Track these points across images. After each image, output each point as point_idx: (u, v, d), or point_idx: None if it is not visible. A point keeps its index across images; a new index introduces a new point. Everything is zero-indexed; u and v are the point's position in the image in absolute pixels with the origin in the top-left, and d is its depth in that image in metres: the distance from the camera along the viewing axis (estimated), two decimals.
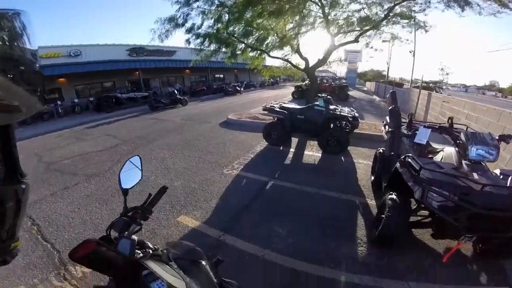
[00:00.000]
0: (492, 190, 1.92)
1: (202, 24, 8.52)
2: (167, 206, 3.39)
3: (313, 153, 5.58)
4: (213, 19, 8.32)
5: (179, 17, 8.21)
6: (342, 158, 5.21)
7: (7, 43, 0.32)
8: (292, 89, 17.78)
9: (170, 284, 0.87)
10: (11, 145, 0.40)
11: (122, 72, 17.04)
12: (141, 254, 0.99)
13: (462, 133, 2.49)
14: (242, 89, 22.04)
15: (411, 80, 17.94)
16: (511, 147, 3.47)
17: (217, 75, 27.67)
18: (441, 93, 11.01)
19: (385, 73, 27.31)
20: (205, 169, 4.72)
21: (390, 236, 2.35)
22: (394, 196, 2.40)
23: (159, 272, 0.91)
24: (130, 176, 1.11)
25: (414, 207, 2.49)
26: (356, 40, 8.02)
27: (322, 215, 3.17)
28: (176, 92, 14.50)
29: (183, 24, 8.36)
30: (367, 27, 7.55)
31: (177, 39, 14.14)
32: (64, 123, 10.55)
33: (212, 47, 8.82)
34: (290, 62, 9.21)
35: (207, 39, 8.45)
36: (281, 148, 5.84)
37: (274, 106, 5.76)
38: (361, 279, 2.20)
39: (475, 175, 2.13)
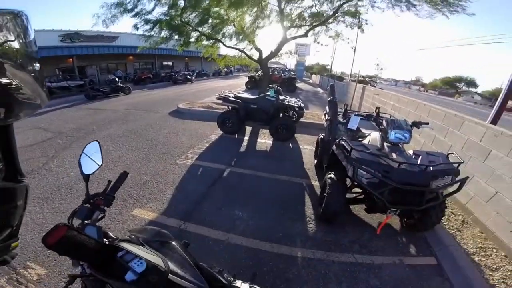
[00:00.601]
0: (406, 168, 2.26)
1: (153, 9, 7.93)
2: (118, 201, 3.15)
3: (265, 140, 5.89)
4: (167, 5, 7.80)
5: (129, 2, 7.53)
6: (290, 144, 5.69)
7: (23, 40, 0.33)
8: (246, 79, 17.81)
9: (148, 261, 0.87)
10: (11, 145, 0.39)
11: (51, 60, 14.67)
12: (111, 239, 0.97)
13: (384, 120, 2.95)
14: (193, 77, 21.07)
15: (351, 74, 20.05)
16: (426, 133, 4.34)
17: (165, 63, 25.82)
18: (374, 86, 12.83)
19: (329, 67, 29.95)
20: (157, 160, 4.49)
21: (332, 212, 2.68)
22: (332, 175, 2.74)
23: (135, 251, 0.90)
24: (90, 162, 1.08)
25: (349, 184, 2.89)
26: (305, 35, 8.56)
27: (276, 197, 3.44)
28: (117, 80, 12.99)
29: (132, 10, 7.64)
30: (316, 23, 8.14)
31: (121, 25, 12.51)
32: None
33: (163, 34, 8.30)
34: (244, 53, 9.30)
35: (158, 25, 7.92)
36: (236, 136, 5.97)
37: (228, 96, 5.83)
38: (314, 254, 2.48)
39: (394, 155, 2.49)
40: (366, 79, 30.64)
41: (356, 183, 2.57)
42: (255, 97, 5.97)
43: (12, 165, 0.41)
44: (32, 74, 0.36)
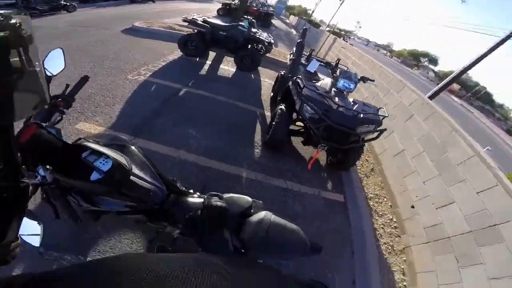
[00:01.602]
0: (343, 111, 2.57)
1: None
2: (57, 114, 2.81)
3: (228, 68, 5.78)
4: None
5: None
6: (252, 75, 5.73)
7: (24, 40, 0.33)
8: (219, 5, 15.98)
9: (114, 159, 0.86)
10: (10, 145, 0.37)
11: None
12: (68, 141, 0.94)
13: (338, 70, 3.28)
14: None
15: (328, 24, 19.14)
16: (371, 90, 4.74)
17: None
18: (346, 41, 12.66)
19: (310, 11, 27.92)
20: (104, 74, 4.02)
21: (276, 139, 3.01)
22: (283, 107, 3.01)
23: (101, 149, 0.87)
24: (54, 65, 1.03)
25: (295, 118, 3.20)
26: None
27: (231, 121, 3.56)
28: None
29: None
30: None
31: None
32: None
33: None
34: None
35: None
36: (197, 59, 5.65)
37: (196, 19, 5.29)
38: (256, 176, 2.77)
39: (337, 99, 2.81)
40: (342, 32, 29.91)
41: (300, 117, 2.89)
42: (226, 24, 5.57)
43: (12, 165, 0.40)
44: (33, 74, 0.36)
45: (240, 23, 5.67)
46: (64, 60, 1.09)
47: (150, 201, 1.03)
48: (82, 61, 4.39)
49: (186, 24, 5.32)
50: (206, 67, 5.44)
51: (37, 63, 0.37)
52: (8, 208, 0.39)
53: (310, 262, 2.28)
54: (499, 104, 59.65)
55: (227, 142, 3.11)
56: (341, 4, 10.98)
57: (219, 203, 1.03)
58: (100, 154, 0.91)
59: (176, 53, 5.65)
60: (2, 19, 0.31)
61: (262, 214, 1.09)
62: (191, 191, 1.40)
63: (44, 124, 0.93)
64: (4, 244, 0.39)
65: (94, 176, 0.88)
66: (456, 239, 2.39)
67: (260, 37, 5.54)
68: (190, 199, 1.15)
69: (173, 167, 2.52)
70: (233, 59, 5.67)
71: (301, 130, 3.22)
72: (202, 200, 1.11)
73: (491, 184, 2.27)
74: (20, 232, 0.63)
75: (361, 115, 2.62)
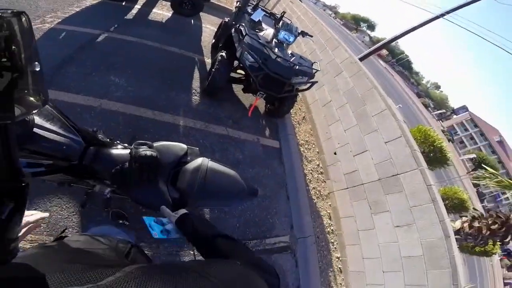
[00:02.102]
0: (281, 61, 2.67)
1: None
2: None
3: (162, 12, 5.07)
4: None
5: None
6: (192, 21, 5.22)
7: (24, 40, 0.34)
8: None
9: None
10: (10, 144, 0.37)
11: None
12: None
13: (281, 22, 3.30)
14: None
15: None
16: (309, 46, 4.92)
17: None
18: None
19: None
20: None
21: (216, 85, 2.96)
22: (223, 54, 2.92)
23: None
24: None
25: (236, 66, 3.16)
26: None
27: (164, 68, 3.23)
28: None
29: None
30: None
31: None
32: None
33: None
34: None
35: None
36: (123, 3, 4.70)
37: None
38: (195, 123, 2.69)
39: (276, 50, 2.88)
40: None
41: (241, 65, 2.90)
42: None
43: (12, 164, 0.38)
44: (33, 74, 0.35)
45: None
46: None
47: (64, 155, 0.90)
48: None
49: None
50: (134, 11, 4.58)
51: (36, 63, 0.37)
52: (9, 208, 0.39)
53: (252, 208, 2.44)
54: (416, 71, 70.59)
55: (161, 89, 2.85)
56: None
57: (148, 152, 0.94)
58: None
59: None
60: (1, 19, 0.31)
61: (198, 161, 1.05)
62: (117, 142, 1.26)
63: None
64: (3, 244, 0.39)
65: None
66: (368, 186, 2.81)
67: None
68: (114, 151, 1.04)
69: (94, 118, 2.22)
70: (169, 3, 4.94)
71: (242, 78, 3.22)
72: (128, 151, 1.00)
73: (397, 135, 2.70)
74: None
75: (297, 67, 2.77)
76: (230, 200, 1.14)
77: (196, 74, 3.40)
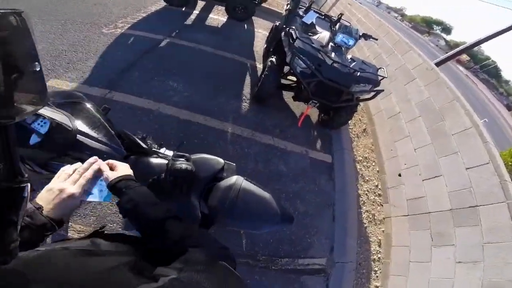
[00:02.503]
0: (338, 67, 2.38)
1: None
2: None
3: (218, 17, 5.33)
4: None
5: None
6: (245, 25, 5.31)
7: (24, 40, 0.34)
8: None
9: (52, 119, 0.79)
10: (10, 144, 0.37)
11: None
12: None
13: (338, 24, 2.96)
14: None
15: None
16: (374, 50, 4.41)
17: None
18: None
19: None
20: (76, 30, 3.63)
21: (265, 92, 2.84)
22: (273, 59, 2.77)
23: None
24: None
25: (286, 72, 2.99)
26: None
27: (217, 73, 3.30)
28: None
29: None
30: None
31: None
32: None
33: None
34: None
35: None
36: (183, 9, 5.13)
37: None
38: (242, 131, 2.62)
39: (333, 54, 2.59)
40: None
41: (291, 71, 2.69)
42: None
43: (12, 164, 0.38)
44: (33, 74, 0.36)
45: None
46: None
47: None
48: (52, 19, 3.90)
49: None
50: (192, 17, 4.97)
51: (36, 63, 0.37)
52: (8, 208, 0.39)
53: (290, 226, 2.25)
54: (506, 80, 58.19)
55: (213, 95, 2.89)
56: None
57: (184, 166, 0.92)
58: (37, 115, 0.80)
59: (159, 4, 5.11)
60: (0, 19, 0.31)
61: (233, 179, 1.00)
62: (163, 150, 1.28)
63: None
64: (3, 244, 0.38)
65: (33, 139, 0.81)
66: (435, 215, 2.33)
67: None
68: (154, 160, 1.03)
69: (151, 121, 2.36)
70: (224, 8, 5.21)
71: (293, 85, 3.01)
72: (166, 161, 0.99)
73: (483, 161, 2.14)
74: None
75: (358, 73, 2.43)
76: (261, 224, 1.06)
77: (247, 80, 3.36)
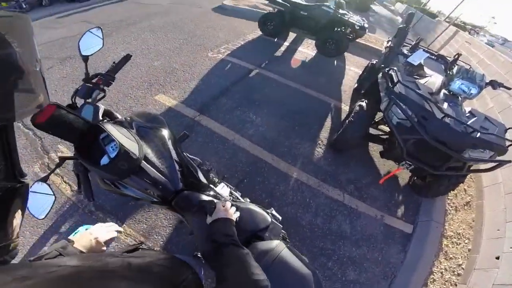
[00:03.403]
0: (450, 123, 1.84)
1: None
2: (145, 85, 3.27)
3: (307, 51, 5.33)
4: None
5: None
6: (335, 62, 5.10)
7: (25, 41, 0.34)
8: None
9: (122, 146, 0.85)
10: (10, 144, 0.38)
11: None
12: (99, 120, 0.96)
13: (456, 66, 2.33)
14: None
15: (448, 16, 15.17)
16: (501, 100, 3.45)
17: None
18: (474, 36, 9.62)
19: (423, 0, 22.96)
20: (189, 51, 4.37)
21: (345, 142, 2.46)
22: (363, 104, 2.39)
23: (114, 134, 0.86)
24: (91, 45, 1.06)
25: (378, 120, 2.55)
26: None
27: (297, 111, 3.24)
28: None
29: None
30: None
31: None
32: (31, 16, 8.33)
33: None
34: None
35: None
36: (275, 40, 5.43)
37: None
38: (308, 179, 2.41)
39: (445, 105, 2.06)
40: (467, 26, 23.02)
41: (384, 120, 2.20)
42: (308, 4, 5.09)
43: (12, 165, 0.40)
44: (33, 74, 0.36)
45: (325, 3, 5.06)
46: (102, 39, 1.10)
47: (158, 192, 0.97)
48: (174, 37, 4.89)
49: (267, 1, 5.14)
50: (283, 48, 5.18)
51: (37, 63, 0.36)
52: (8, 208, 0.39)
53: None
54: None
55: (287, 134, 2.84)
56: None
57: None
58: (113, 138, 0.88)
59: (256, 32, 5.61)
60: (1, 19, 0.31)
61: (274, 243, 0.94)
62: (220, 186, 1.31)
63: (88, 100, 1.00)
64: (4, 244, 0.39)
65: (104, 160, 0.88)
66: None
67: (349, 19, 4.83)
68: (204, 198, 1.05)
69: (225, 150, 2.49)
70: (314, 41, 5.20)
71: (383, 137, 2.55)
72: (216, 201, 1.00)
73: None
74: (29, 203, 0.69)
75: (477, 134, 1.80)
76: None
77: (328, 123, 3.16)
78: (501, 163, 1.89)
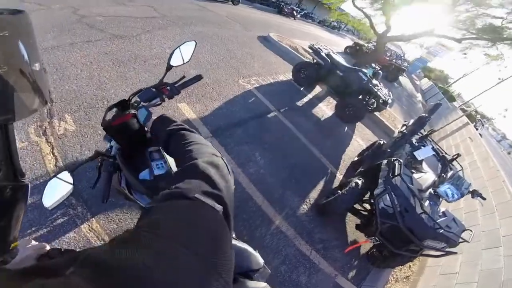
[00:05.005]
0: (423, 219, 2.21)
1: None
2: None
3: (326, 109, 5.61)
4: None
5: None
6: (346, 128, 5.34)
7: (25, 40, 0.33)
8: (350, 42, 15.73)
9: (171, 168, 0.87)
10: (10, 144, 0.38)
11: None
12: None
13: (452, 171, 2.75)
14: (298, 15, 19.34)
15: (467, 102, 15.95)
16: (472, 203, 3.70)
17: None
18: (477, 129, 10.13)
19: (451, 80, 24.22)
20: (224, 70, 4.69)
21: (332, 210, 2.75)
22: (359, 182, 2.68)
23: (163, 152, 0.92)
24: (180, 56, 1.08)
25: (366, 198, 2.85)
26: (459, 41, 7.11)
27: (298, 165, 3.47)
28: None
29: None
30: (483, 37, 6.46)
31: None
32: None
33: None
34: (370, 20, 8.16)
35: None
36: (301, 89, 5.72)
37: (321, 49, 5.27)
38: (287, 230, 2.63)
39: (427, 203, 2.40)
40: (477, 116, 24.01)
41: (372, 201, 2.59)
42: (347, 65, 5.27)
43: (12, 164, 0.40)
44: (33, 74, 0.36)
45: (363, 69, 5.20)
46: (192, 55, 1.12)
47: None
48: (217, 52, 5.27)
49: (310, 51, 5.36)
50: (305, 99, 5.45)
51: (37, 63, 0.36)
52: (8, 208, 0.39)
53: None
54: None
55: (283, 184, 3.06)
56: (497, 84, 8.34)
57: None
58: (163, 156, 0.93)
59: (287, 75, 5.94)
60: (1, 18, 0.30)
61: (261, 285, 0.99)
62: None
63: (144, 104, 1.01)
64: (3, 244, 0.39)
65: (143, 175, 0.91)
66: None
67: (378, 91, 4.93)
68: None
69: None
70: (335, 102, 5.43)
71: (363, 213, 2.85)
72: None
73: None
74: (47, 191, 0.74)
75: (441, 231, 2.18)
76: None
77: (320, 185, 3.39)
78: (448, 253, 2.29)
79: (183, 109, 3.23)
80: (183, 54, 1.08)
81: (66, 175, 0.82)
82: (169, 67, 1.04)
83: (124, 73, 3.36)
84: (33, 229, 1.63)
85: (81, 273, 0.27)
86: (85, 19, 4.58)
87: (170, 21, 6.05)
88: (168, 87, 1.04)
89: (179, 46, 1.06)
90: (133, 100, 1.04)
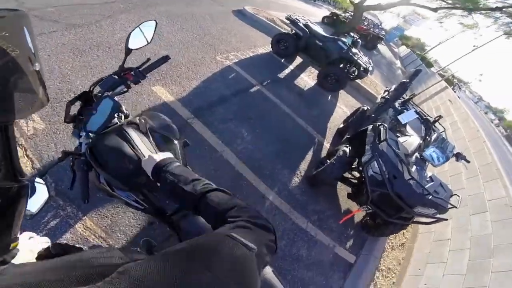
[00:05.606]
0: (412, 185, 2.20)
1: None
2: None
3: (308, 79, 5.53)
4: None
5: None
6: (329, 96, 5.33)
7: (24, 40, 0.33)
8: (326, 12, 15.41)
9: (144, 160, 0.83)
10: (10, 144, 0.38)
11: None
12: (121, 120, 0.96)
13: (436, 134, 2.73)
14: None
15: (443, 68, 16.35)
16: (456, 166, 3.86)
17: None
18: (455, 91, 10.66)
19: (427, 48, 24.74)
20: (199, 48, 4.38)
21: (322, 180, 2.75)
22: (347, 149, 2.67)
23: (137, 143, 0.89)
24: (140, 38, 1.01)
25: (354, 166, 2.84)
26: (435, 10, 7.10)
27: (285, 138, 3.41)
28: None
29: None
30: (459, 6, 6.54)
31: None
32: None
33: None
34: None
35: None
36: (282, 60, 5.57)
37: (298, 20, 5.11)
38: (281, 204, 2.62)
39: (414, 168, 2.41)
40: (454, 80, 25.06)
41: (360, 169, 2.56)
42: (326, 35, 5.18)
43: (12, 164, 0.40)
44: (33, 74, 0.36)
45: (343, 38, 5.17)
46: (153, 35, 1.05)
47: (161, 209, 1.00)
48: (189, 30, 4.87)
49: (287, 22, 5.24)
50: (287, 70, 5.34)
51: (37, 63, 0.36)
52: (8, 208, 0.40)
53: None
54: None
55: (272, 158, 3.00)
56: (472, 51, 8.77)
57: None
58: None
59: (266, 48, 5.72)
60: (1, 18, 0.30)
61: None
62: None
63: (108, 93, 0.94)
64: (3, 244, 0.39)
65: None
66: None
67: (358, 60, 4.88)
68: (201, 220, 1.07)
69: (211, 161, 2.58)
70: (317, 72, 5.38)
71: (354, 182, 2.85)
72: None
73: None
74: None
75: (430, 197, 2.20)
76: None
77: (308, 156, 3.37)
78: (439, 220, 2.35)
79: (158, 92, 3.01)
80: (145, 35, 1.01)
81: (38, 181, 0.78)
82: (129, 51, 0.97)
83: (87, 62, 3.05)
84: None
85: None
86: (34, 12, 4.08)
87: (132, 4, 5.46)
88: (132, 72, 0.99)
89: (136, 27, 0.99)
90: (95, 91, 0.97)
